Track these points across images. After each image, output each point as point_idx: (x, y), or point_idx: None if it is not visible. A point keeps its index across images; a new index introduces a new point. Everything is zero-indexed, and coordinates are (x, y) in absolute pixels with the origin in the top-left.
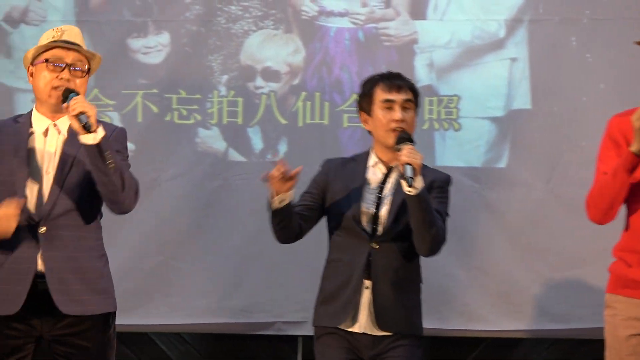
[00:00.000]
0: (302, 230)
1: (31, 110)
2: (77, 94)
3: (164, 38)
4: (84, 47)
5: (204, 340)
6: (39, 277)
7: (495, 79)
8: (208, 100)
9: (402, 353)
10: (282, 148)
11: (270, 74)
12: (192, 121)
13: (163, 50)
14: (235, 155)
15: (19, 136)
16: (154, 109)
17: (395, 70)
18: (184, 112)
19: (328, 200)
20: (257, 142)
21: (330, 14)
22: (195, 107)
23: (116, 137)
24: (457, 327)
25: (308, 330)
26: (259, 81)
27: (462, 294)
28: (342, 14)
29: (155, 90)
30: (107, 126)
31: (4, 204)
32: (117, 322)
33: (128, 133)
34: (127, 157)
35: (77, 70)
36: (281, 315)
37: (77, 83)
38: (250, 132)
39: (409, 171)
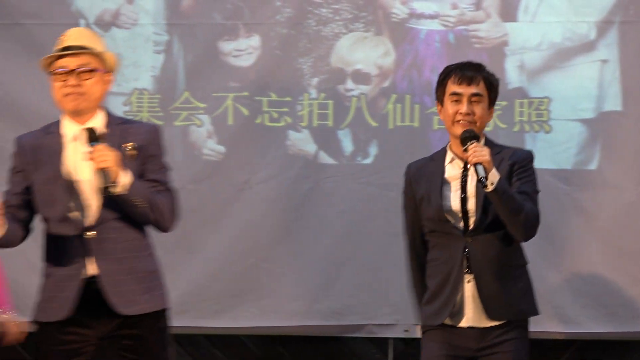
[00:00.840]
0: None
1: (59, 119)
2: (97, 140)
3: (255, 41)
4: (93, 44)
5: (294, 343)
6: (91, 280)
7: (586, 80)
8: (298, 102)
9: (509, 348)
10: (373, 150)
11: (360, 77)
12: (282, 124)
13: (254, 53)
14: (325, 158)
15: (53, 146)
16: (245, 111)
17: None
18: (275, 115)
19: (419, 205)
20: (347, 144)
21: (421, 16)
22: (285, 109)
23: (148, 140)
24: (549, 330)
25: (399, 333)
26: (350, 84)
27: (554, 296)
28: (432, 16)
29: (245, 93)
30: (138, 127)
31: None
32: (209, 325)
33: (219, 135)
34: (162, 155)
35: (84, 72)
36: (372, 317)
37: (88, 84)
38: (340, 134)
39: (480, 171)
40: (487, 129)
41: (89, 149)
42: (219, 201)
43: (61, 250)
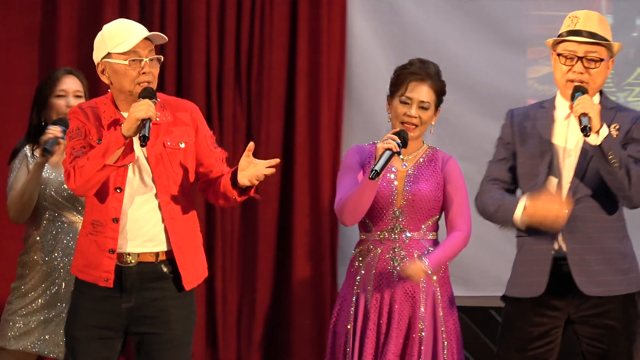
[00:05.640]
0: None
1: (555, 95)
2: (584, 93)
3: None
4: (604, 32)
5: None
6: (560, 259)
7: None
8: None
9: None
10: None
11: None
12: None
13: None
14: None
15: (543, 121)
16: None
17: None
18: None
19: None
20: None
21: None
22: None
23: (634, 125)
24: None
25: None
26: None
27: None
28: None
29: None
30: (628, 113)
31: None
32: None
33: None
34: None
35: (591, 60)
36: None
37: (593, 73)
38: None
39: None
40: None
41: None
42: None
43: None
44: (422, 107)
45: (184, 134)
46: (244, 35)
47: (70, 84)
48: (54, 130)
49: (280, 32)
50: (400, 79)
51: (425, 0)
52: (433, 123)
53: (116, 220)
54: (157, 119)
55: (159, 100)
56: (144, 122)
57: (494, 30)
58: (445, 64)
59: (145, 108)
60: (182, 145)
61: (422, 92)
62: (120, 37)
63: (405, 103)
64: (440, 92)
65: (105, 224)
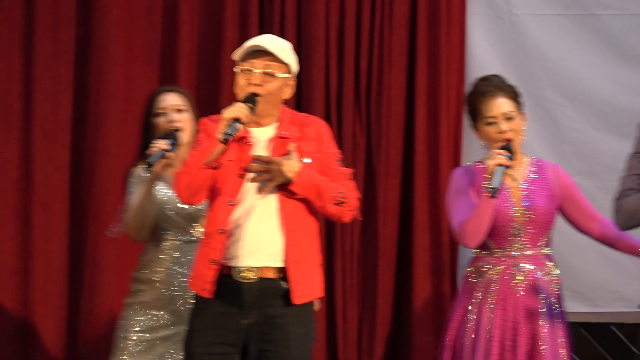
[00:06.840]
0: None
1: None
2: None
3: None
4: None
5: None
6: None
7: None
8: None
9: None
10: None
11: None
12: None
13: None
14: None
15: None
16: None
17: None
18: None
19: None
20: None
21: None
22: None
23: None
24: None
25: None
26: None
27: None
28: None
29: None
30: None
31: None
32: None
33: None
34: None
35: None
36: None
37: None
38: None
39: None
40: None
41: None
42: None
43: None
44: (509, 117)
45: (311, 149)
46: (363, 56)
47: (168, 101)
48: (160, 144)
49: (399, 53)
50: (475, 105)
51: (545, 18)
52: (523, 127)
53: (222, 231)
54: (284, 134)
55: (253, 105)
56: (233, 122)
57: (614, 46)
58: (566, 80)
59: (235, 109)
60: (308, 161)
61: (500, 105)
62: (242, 47)
63: (492, 123)
64: (515, 96)
65: (212, 234)
